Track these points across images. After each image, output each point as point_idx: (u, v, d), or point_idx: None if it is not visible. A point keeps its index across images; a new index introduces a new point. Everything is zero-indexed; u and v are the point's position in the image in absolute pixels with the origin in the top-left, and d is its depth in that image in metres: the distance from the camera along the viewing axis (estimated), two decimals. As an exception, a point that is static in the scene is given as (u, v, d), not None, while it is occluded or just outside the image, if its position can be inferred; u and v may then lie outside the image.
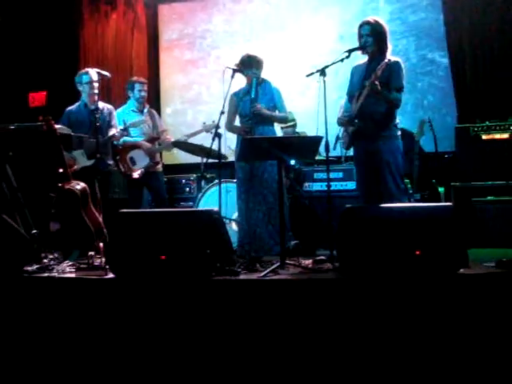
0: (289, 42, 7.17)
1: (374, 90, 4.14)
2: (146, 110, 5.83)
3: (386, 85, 4.22)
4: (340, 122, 4.55)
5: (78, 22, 7.70)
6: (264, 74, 5.01)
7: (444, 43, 6.58)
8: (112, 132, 5.32)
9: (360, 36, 4.36)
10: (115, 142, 5.57)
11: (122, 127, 5.40)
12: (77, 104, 5.46)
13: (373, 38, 4.31)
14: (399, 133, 4.40)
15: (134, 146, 5.65)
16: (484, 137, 5.16)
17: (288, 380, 3.00)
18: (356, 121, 4.35)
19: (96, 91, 5.29)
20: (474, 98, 6.27)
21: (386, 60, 4.19)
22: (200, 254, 3.30)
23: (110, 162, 5.45)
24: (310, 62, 6.20)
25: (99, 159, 5.01)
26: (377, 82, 4.12)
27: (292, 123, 6.06)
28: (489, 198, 4.97)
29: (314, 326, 3.06)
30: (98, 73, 5.25)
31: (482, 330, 2.89)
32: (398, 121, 4.40)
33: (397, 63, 4.30)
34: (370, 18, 4.39)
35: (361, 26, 4.37)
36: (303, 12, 7.19)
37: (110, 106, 5.53)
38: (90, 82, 5.32)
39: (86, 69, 5.48)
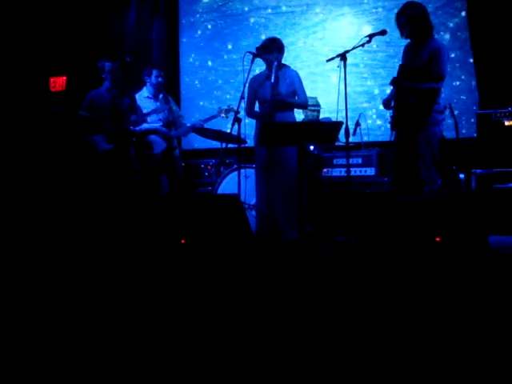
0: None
1: (399, 86, 4.13)
2: (161, 96, 5.84)
3: (427, 72, 4.16)
4: (382, 103, 4.52)
5: (98, 7, 7.71)
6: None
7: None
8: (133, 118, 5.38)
9: (398, 25, 4.26)
10: (132, 127, 5.61)
11: (146, 112, 5.47)
12: (100, 88, 5.48)
13: (411, 24, 4.20)
14: (441, 117, 4.31)
15: (151, 132, 5.68)
16: (506, 123, 5.10)
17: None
18: (392, 105, 4.33)
19: (119, 78, 5.33)
20: (497, 83, 6.18)
21: (429, 44, 4.16)
22: (220, 238, 3.32)
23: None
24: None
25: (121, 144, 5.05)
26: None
27: (317, 108, 6.04)
28: (510, 184, 4.92)
29: (329, 313, 3.06)
30: (121, 58, 5.25)
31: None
32: (439, 106, 4.29)
33: (438, 50, 4.20)
34: (405, 5, 4.27)
35: (398, 16, 4.26)
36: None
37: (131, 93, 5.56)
38: (113, 70, 5.33)
39: (109, 55, 5.46)
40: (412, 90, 4.18)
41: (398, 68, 4.39)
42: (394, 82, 4.24)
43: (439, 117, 4.29)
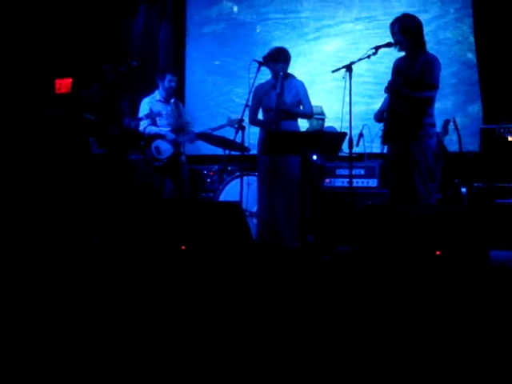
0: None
1: (394, 91, 4.13)
2: (172, 101, 5.86)
3: (420, 82, 4.17)
4: (374, 115, 4.53)
5: (107, 10, 7.74)
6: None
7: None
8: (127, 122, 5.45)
9: (391, 34, 4.30)
10: (141, 130, 5.64)
11: (139, 117, 5.52)
12: (93, 88, 5.50)
13: (403, 34, 4.24)
14: (434, 131, 4.31)
15: (160, 136, 5.70)
16: (510, 138, 5.11)
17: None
18: (385, 116, 4.33)
19: (108, 79, 5.38)
20: (501, 98, 6.19)
21: (422, 57, 4.17)
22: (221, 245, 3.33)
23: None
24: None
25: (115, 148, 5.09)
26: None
27: (322, 117, 6.05)
28: (512, 199, 4.93)
29: (327, 322, 3.06)
30: (125, 61, 5.27)
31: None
32: (432, 119, 4.29)
33: (431, 61, 4.23)
34: (401, 15, 4.33)
35: (392, 24, 4.31)
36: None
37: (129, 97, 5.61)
38: (103, 72, 5.39)
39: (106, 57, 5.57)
40: (407, 97, 4.19)
41: (391, 76, 4.41)
42: (389, 89, 4.23)
43: (432, 130, 4.30)
